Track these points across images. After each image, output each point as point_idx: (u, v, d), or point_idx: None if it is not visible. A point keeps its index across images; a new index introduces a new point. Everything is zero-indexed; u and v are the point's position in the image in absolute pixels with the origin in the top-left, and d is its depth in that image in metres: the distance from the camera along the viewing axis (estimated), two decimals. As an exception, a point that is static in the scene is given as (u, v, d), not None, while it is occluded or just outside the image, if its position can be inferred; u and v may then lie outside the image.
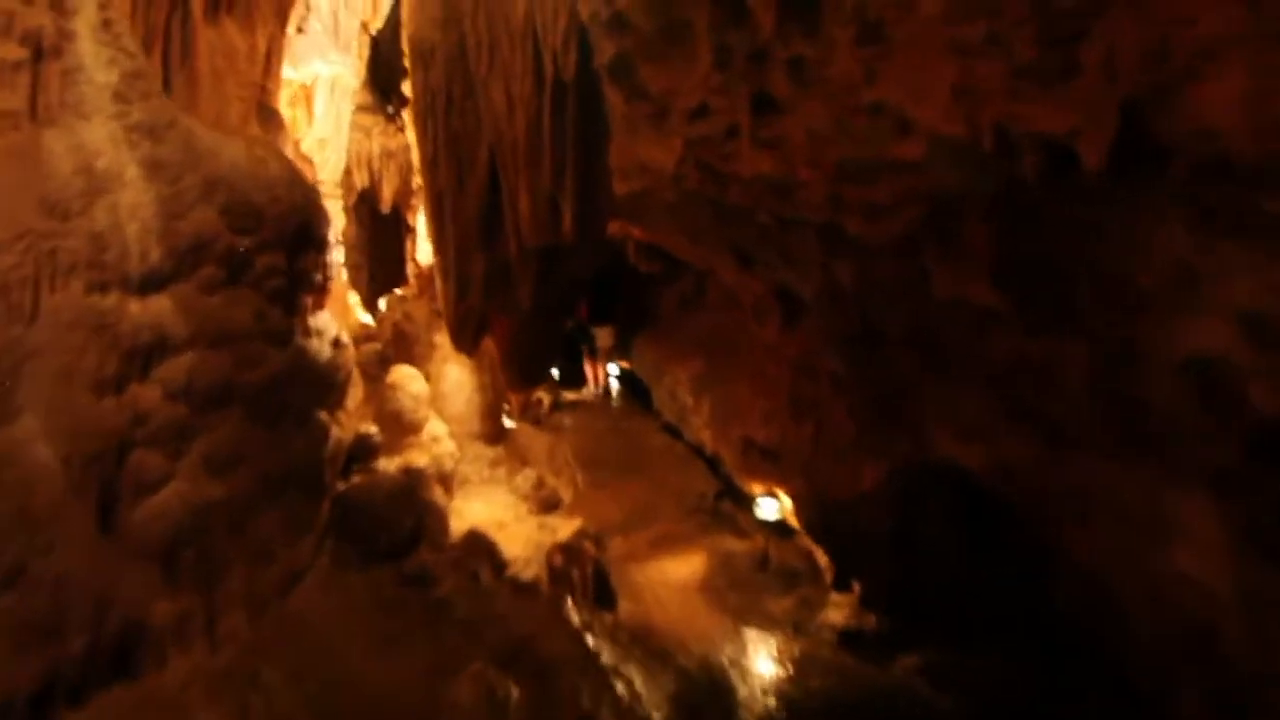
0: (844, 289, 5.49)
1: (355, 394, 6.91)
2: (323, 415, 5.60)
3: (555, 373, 14.82)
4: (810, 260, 5.53)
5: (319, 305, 5.89)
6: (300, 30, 10.96)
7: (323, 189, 13.09)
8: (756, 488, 7.88)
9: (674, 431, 11.08)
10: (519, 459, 8.48)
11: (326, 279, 5.83)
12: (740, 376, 8.71)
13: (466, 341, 6.41)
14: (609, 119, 5.58)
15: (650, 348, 14.02)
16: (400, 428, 6.74)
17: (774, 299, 7.21)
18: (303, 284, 5.51)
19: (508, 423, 9.74)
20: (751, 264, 6.48)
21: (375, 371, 9.91)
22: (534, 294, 6.34)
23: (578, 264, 6.68)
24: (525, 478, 8.02)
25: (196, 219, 4.55)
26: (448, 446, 7.19)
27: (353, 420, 6.23)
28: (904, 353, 5.68)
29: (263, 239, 5.04)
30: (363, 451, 6.16)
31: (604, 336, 16.46)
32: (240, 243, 4.84)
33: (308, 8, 10.97)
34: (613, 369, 17.53)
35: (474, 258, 6.08)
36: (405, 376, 6.80)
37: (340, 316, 11.99)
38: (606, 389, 16.65)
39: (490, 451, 8.27)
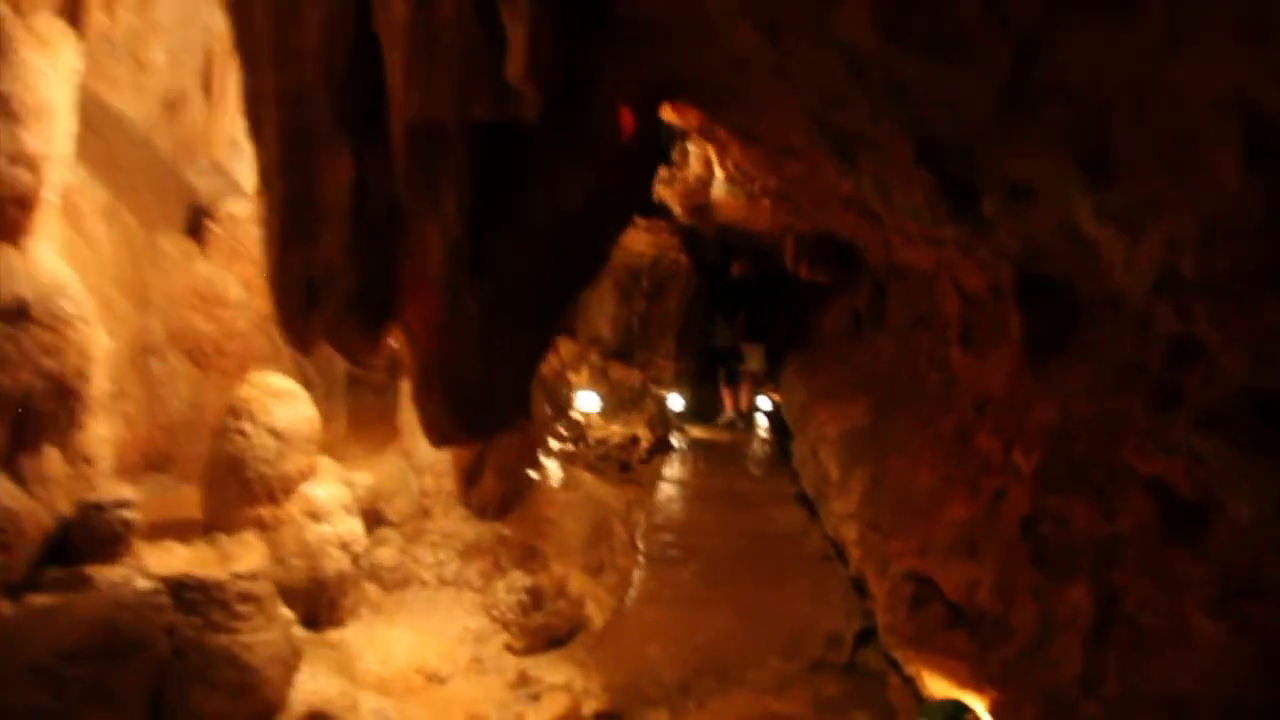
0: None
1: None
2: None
3: (679, 401, 11.16)
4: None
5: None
6: None
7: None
8: (928, 675, 3.75)
9: (810, 506, 7.08)
10: (529, 542, 4.90)
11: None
12: (919, 446, 4.63)
13: (314, 335, 2.95)
14: None
15: (800, 380, 9.94)
16: (242, 489, 3.43)
17: (1014, 298, 3.14)
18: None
19: (547, 468, 6.15)
20: (975, 213, 2.46)
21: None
22: (463, 247, 2.79)
23: (578, 183, 3.02)
24: (514, 584, 4.40)
25: None
26: (343, 528, 3.77)
27: (91, 470, 2.98)
28: None
29: None
30: (89, 541, 2.87)
31: (754, 357, 12.45)
32: None
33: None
34: (764, 402, 13.47)
35: (329, 155, 2.67)
36: (262, 394, 3.48)
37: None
38: (744, 421, 12.64)
39: (471, 530, 4.75)
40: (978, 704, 3.45)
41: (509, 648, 4.25)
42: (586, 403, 7.47)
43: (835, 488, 5.55)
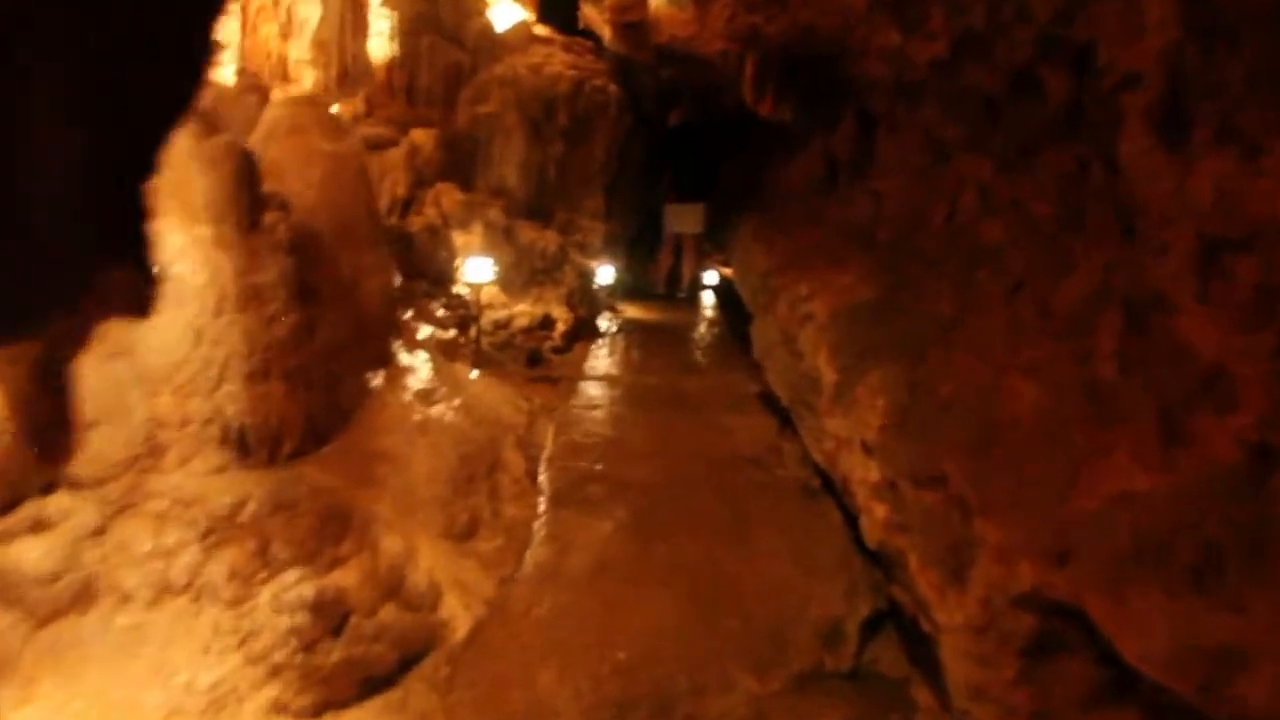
0: None
1: None
2: None
3: (609, 273, 9.06)
4: None
5: None
6: None
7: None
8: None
9: (781, 411, 5.19)
10: (342, 498, 2.91)
11: None
12: (996, 329, 2.70)
13: None
14: None
15: (760, 246, 7.87)
16: None
17: None
18: None
19: (407, 366, 4.08)
20: None
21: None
22: None
23: None
24: (287, 591, 2.42)
25: None
26: None
27: None
28: None
29: None
30: None
31: (687, 218, 10.26)
32: None
33: None
34: (710, 276, 11.48)
35: None
36: None
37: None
38: (685, 294, 10.70)
39: (229, 487, 2.70)
40: None
41: (280, 709, 2.33)
42: (477, 273, 5.33)
43: (830, 395, 3.66)
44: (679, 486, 4.07)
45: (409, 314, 4.79)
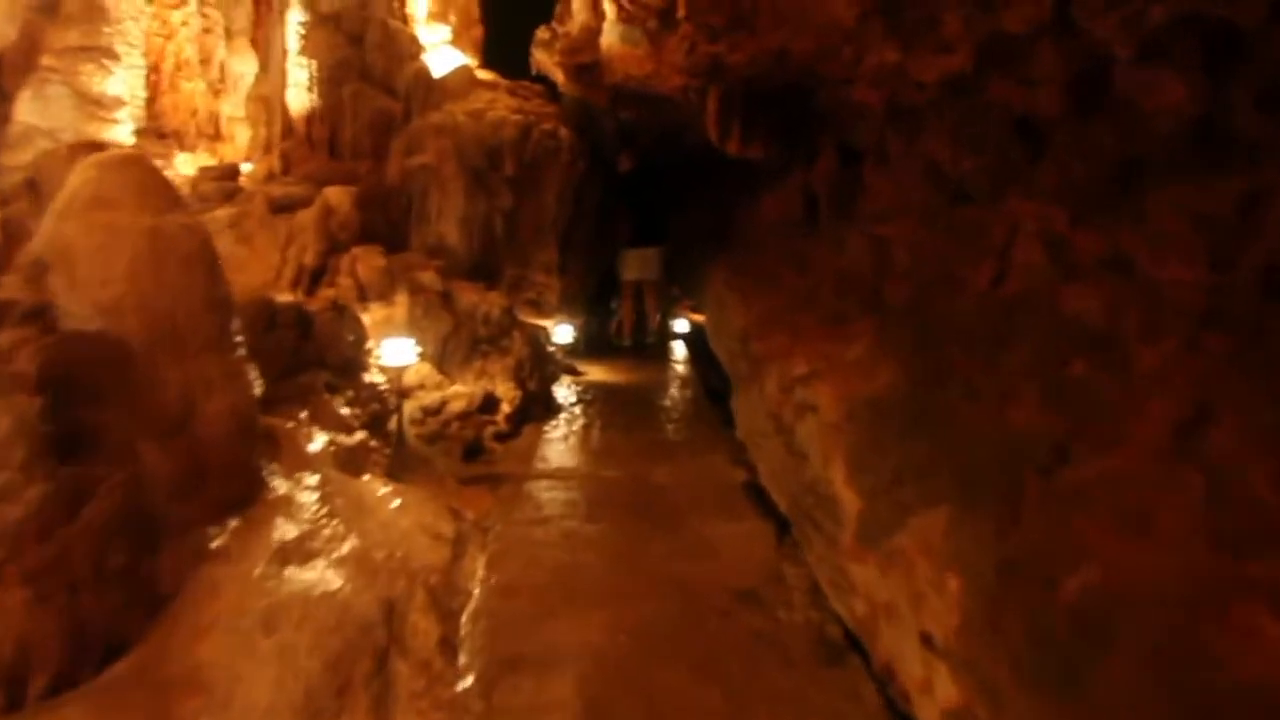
0: None
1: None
2: None
3: (567, 333, 7.96)
4: None
5: None
6: None
7: None
8: None
9: (777, 512, 4.03)
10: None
11: None
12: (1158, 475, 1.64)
13: None
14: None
15: (735, 296, 6.80)
16: None
17: None
18: None
19: (282, 496, 2.89)
20: None
21: None
22: None
23: None
24: None
25: None
26: None
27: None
28: None
29: None
30: None
31: (645, 264, 9.23)
32: None
33: None
34: (681, 325, 10.45)
35: None
36: None
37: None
38: (644, 338, 9.63)
39: None
40: None
41: None
42: (396, 355, 4.20)
43: (854, 530, 2.56)
44: (648, 653, 2.90)
45: (299, 419, 3.62)
